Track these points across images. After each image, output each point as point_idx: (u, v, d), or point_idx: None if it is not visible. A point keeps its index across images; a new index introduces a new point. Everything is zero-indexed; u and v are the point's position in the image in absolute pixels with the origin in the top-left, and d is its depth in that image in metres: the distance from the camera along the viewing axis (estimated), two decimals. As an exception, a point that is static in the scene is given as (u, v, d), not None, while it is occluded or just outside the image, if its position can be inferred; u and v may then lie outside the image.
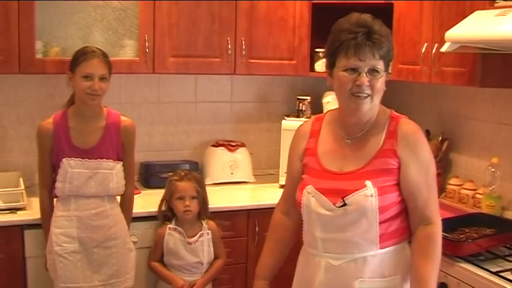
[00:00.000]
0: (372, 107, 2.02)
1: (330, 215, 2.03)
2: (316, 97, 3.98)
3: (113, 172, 2.85)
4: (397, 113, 2.12)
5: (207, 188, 3.26)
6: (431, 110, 3.78)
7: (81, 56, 2.76)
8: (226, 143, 3.91)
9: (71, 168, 2.79)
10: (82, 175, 2.80)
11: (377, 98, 2.01)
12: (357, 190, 1.99)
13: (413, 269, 2.03)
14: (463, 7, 2.95)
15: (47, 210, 2.90)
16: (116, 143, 2.88)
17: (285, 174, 3.67)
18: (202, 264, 3.13)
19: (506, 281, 2.40)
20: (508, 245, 2.75)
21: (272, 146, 4.14)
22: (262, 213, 3.44)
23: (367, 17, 2.01)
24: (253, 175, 3.98)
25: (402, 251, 2.08)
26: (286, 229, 2.29)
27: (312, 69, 3.87)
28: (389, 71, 1.96)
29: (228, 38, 3.55)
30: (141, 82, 3.72)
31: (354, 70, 1.96)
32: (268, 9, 3.66)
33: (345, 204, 1.99)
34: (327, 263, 2.06)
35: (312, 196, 2.06)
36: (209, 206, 3.22)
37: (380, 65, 1.96)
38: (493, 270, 2.49)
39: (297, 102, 3.92)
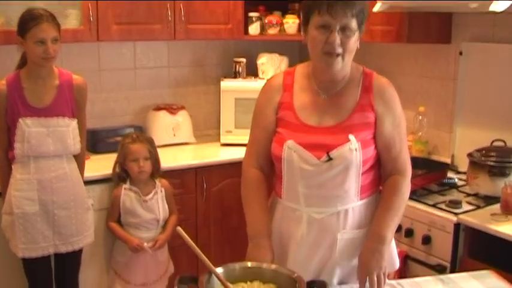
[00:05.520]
0: (343, 66, 2.00)
1: (313, 170, 2.01)
2: (250, 59, 4.15)
3: (69, 129, 2.90)
4: (368, 69, 2.12)
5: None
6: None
7: (31, 21, 2.74)
8: (167, 106, 3.99)
9: (28, 127, 2.81)
10: (39, 133, 2.83)
11: (348, 57, 1.99)
12: (341, 144, 1.99)
13: (374, 219, 2.05)
14: (389, -30, 3.22)
15: (4, 170, 2.92)
16: (70, 101, 2.93)
17: (227, 133, 3.95)
18: (158, 220, 3.26)
19: (441, 210, 2.77)
20: (437, 182, 3.10)
21: (209, 108, 4.31)
22: (208, 170, 3.67)
23: None
24: (194, 136, 4.10)
25: (375, 201, 2.11)
26: (265, 184, 2.17)
27: (246, 32, 4.03)
28: (362, 31, 1.99)
29: (168, 5, 3.65)
30: (81, 51, 3.74)
31: (326, 28, 1.93)
32: (204, -25, 3.77)
33: (330, 159, 1.98)
34: (309, 217, 2.05)
35: (294, 151, 2.02)
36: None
37: (352, 23, 1.94)
38: (430, 203, 2.85)
39: (234, 64, 4.07)
